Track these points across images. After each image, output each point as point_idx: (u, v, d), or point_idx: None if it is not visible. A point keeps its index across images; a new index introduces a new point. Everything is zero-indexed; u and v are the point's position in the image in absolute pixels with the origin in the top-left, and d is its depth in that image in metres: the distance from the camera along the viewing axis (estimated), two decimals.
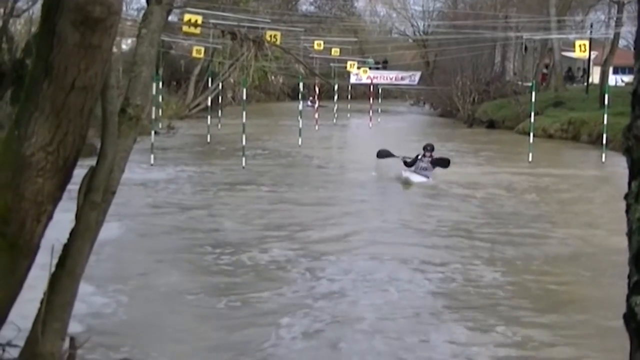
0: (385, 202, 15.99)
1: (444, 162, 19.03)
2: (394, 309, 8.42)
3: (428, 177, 18.34)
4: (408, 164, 18.76)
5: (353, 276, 9.71)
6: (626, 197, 2.01)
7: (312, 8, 66.88)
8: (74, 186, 4.13)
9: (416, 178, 18.06)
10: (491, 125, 38.07)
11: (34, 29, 28.19)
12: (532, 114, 23.56)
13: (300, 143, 25.87)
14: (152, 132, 21.06)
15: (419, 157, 18.88)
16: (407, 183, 17.76)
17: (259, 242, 11.61)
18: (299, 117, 26.56)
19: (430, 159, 18.88)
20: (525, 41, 40.22)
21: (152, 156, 20.18)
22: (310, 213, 14.11)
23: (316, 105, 35.87)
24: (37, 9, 29.00)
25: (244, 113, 20.95)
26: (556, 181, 18.77)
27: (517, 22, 44.47)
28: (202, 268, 10.24)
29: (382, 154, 19.83)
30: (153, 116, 21.92)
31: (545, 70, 46.05)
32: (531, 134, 22.99)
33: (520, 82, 43.59)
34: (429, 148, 19.16)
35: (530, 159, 22.03)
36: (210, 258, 10.70)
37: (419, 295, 9.02)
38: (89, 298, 8.04)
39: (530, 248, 11.52)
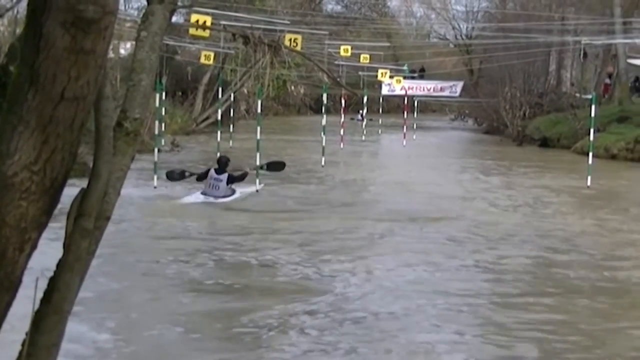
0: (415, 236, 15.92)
1: (278, 166, 20.87)
2: None
3: (217, 197, 18.39)
4: (199, 178, 19.13)
5: None
6: None
7: (338, 8, 67.24)
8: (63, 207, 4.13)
9: (194, 199, 18.41)
10: (544, 143, 38.01)
11: (19, 31, 28.38)
12: (592, 130, 23.43)
13: (323, 163, 25.90)
14: (156, 150, 21.04)
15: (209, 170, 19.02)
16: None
17: (271, 273, 11.74)
18: (322, 133, 26.61)
19: (226, 175, 18.80)
20: (584, 46, 40.00)
21: (155, 177, 20.21)
22: (332, 242, 14.15)
23: (340, 120, 35.90)
24: (22, 7, 29.24)
25: (259, 128, 20.97)
26: (619, 211, 18.59)
27: (575, 24, 44.35)
28: (205, 293, 10.66)
29: (173, 177, 19.99)
30: (156, 131, 21.96)
31: (608, 81, 45.79)
32: (590, 154, 22.72)
33: (578, 94, 43.34)
34: (223, 160, 19.18)
35: (589, 182, 21.89)
36: (216, 288, 11.04)
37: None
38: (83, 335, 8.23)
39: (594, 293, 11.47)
